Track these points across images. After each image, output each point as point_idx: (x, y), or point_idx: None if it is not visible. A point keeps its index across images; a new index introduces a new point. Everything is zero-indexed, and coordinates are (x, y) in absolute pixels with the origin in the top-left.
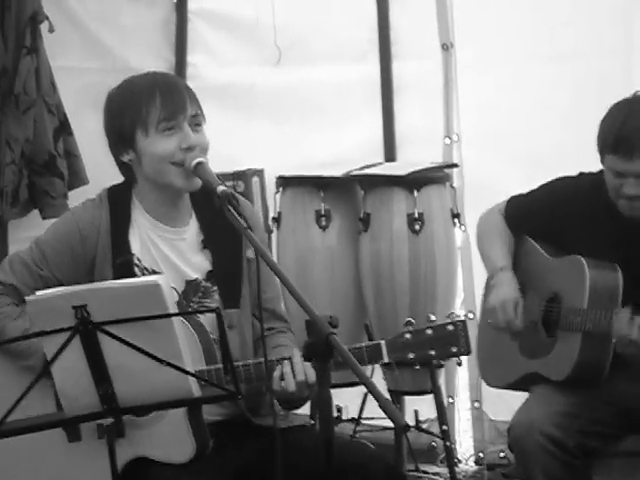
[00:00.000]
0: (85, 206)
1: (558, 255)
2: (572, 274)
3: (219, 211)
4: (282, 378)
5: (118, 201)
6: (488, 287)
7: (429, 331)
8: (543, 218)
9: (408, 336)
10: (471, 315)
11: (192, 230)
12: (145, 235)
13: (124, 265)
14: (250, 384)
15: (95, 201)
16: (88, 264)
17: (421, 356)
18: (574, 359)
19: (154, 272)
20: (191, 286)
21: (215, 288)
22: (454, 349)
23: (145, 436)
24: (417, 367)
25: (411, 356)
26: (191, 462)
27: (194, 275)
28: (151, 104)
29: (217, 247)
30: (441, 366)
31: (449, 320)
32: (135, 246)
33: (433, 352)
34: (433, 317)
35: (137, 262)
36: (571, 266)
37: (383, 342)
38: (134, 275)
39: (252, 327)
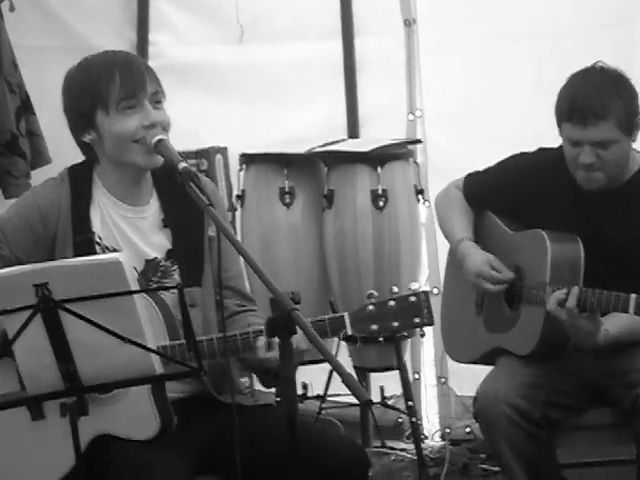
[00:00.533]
0: (46, 185)
1: (519, 230)
2: (534, 248)
3: (180, 189)
4: (271, 347)
5: (79, 180)
6: (450, 260)
7: (392, 302)
8: (504, 194)
9: (371, 308)
10: (436, 290)
11: (153, 209)
12: (106, 214)
13: (84, 243)
14: (213, 359)
15: (56, 180)
16: (48, 242)
17: (384, 327)
18: (538, 333)
19: (115, 251)
20: (150, 265)
21: (174, 268)
22: (417, 320)
23: (109, 413)
24: (381, 339)
25: (374, 327)
26: (155, 438)
27: (153, 254)
28: (110, 83)
29: (178, 225)
30: (405, 337)
31: (411, 291)
32: (96, 224)
33: (396, 323)
34: (396, 289)
35: (98, 240)
36: (533, 240)
37: (346, 314)
38: (95, 253)
39: (215, 305)
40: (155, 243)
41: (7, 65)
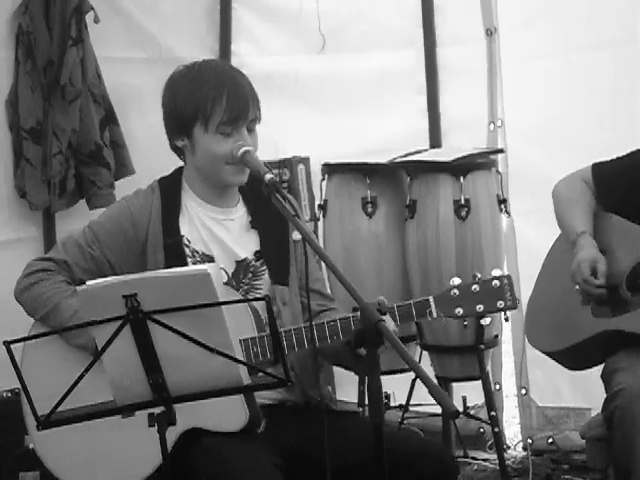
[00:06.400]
0: (137, 194)
1: None
2: None
3: (264, 195)
4: None
5: (169, 188)
6: (557, 249)
7: (476, 286)
8: (634, 185)
9: (456, 291)
10: None
11: (240, 211)
12: (195, 217)
13: (174, 245)
14: (301, 348)
15: (147, 190)
16: (139, 246)
17: (469, 311)
18: None
19: (204, 254)
20: (241, 266)
21: (264, 268)
22: (501, 303)
23: (198, 407)
24: (465, 323)
25: (459, 311)
26: (244, 433)
27: (243, 255)
28: (217, 103)
29: (264, 228)
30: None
31: (494, 275)
32: (184, 228)
33: (480, 306)
34: (479, 274)
35: (187, 243)
36: None
37: (431, 297)
38: (184, 255)
39: (301, 305)
40: (244, 244)
41: (91, 76)
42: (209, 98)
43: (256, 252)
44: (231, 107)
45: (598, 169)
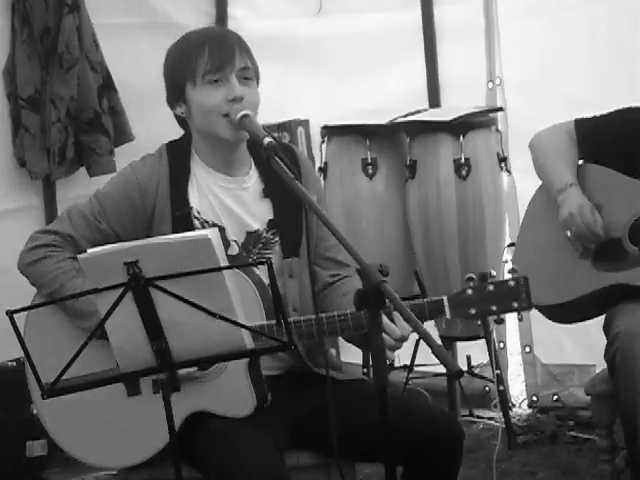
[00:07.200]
0: (144, 160)
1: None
2: None
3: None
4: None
5: (177, 155)
6: (540, 203)
7: (490, 287)
8: (619, 141)
9: (470, 292)
10: None
11: (253, 179)
12: (205, 187)
13: (182, 217)
14: (311, 340)
15: (155, 156)
16: (147, 217)
17: (482, 311)
18: None
19: (214, 225)
20: (252, 237)
21: (276, 239)
22: (515, 304)
23: (205, 390)
24: (479, 323)
25: (472, 311)
26: (250, 415)
27: (255, 226)
28: (199, 56)
29: (278, 196)
30: (502, 321)
31: (510, 276)
32: (194, 199)
33: (495, 307)
34: (494, 272)
35: (196, 215)
36: None
37: (445, 298)
38: (193, 227)
39: (313, 276)
40: (256, 213)
41: (88, 44)
42: (192, 54)
43: (270, 221)
44: (214, 55)
45: (583, 123)
